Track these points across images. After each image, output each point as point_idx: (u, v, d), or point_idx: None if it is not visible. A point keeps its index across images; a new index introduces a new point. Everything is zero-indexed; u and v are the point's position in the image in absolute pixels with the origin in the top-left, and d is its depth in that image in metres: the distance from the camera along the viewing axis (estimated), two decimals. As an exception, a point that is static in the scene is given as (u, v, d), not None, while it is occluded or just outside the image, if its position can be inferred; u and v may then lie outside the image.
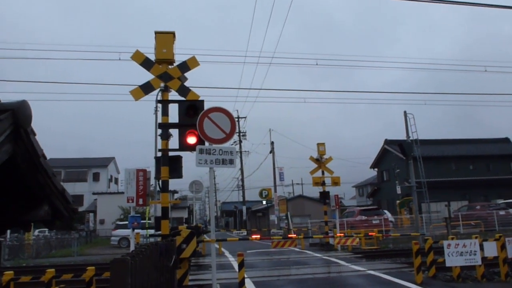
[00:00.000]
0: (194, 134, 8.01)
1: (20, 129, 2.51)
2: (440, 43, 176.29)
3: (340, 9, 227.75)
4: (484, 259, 9.17)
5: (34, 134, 2.71)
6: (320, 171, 19.82)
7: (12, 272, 7.58)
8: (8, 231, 23.85)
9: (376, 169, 48.33)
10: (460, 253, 8.82)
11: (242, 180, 46.44)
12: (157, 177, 8.34)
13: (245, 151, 46.46)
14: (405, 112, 19.81)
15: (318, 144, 19.85)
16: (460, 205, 31.07)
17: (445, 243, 8.96)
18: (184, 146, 8.11)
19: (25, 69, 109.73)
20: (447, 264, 8.96)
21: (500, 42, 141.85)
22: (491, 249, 9.18)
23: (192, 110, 8.19)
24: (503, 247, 9.21)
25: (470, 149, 41.57)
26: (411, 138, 19.62)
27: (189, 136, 8.07)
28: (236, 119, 39.71)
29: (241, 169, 45.88)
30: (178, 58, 8.54)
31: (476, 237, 9.15)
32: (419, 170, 20.27)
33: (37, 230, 33.35)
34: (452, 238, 9.30)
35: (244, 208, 45.54)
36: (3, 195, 2.90)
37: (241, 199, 48.85)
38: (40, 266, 14.84)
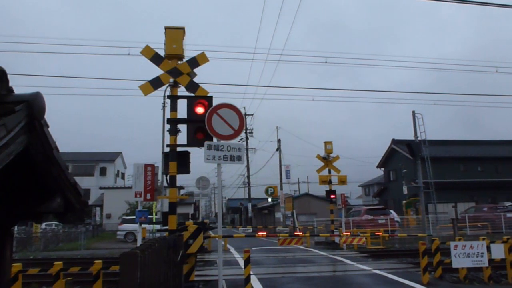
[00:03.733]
0: (202, 130, 8.04)
1: (35, 120, 2.53)
2: (450, 43, 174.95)
3: (349, 8, 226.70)
4: (491, 261, 9.11)
5: (47, 126, 2.73)
6: (327, 170, 19.82)
7: (20, 264, 7.65)
8: (15, 224, 24.14)
9: (383, 169, 48.14)
10: (467, 255, 8.77)
11: (248, 177, 46.54)
12: (165, 172, 8.38)
13: (252, 148, 46.57)
14: (413, 112, 19.72)
15: (325, 142, 19.83)
16: (467, 206, 30.83)
17: (452, 244, 8.91)
18: (192, 142, 8.14)
19: (35, 64, 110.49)
20: (454, 265, 8.91)
21: None
22: (498, 251, 9.12)
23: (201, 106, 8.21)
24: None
25: (478, 151, 41.27)
26: (419, 138, 19.52)
27: (198, 132, 8.10)
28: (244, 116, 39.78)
29: (247, 166, 45.98)
30: (187, 54, 8.57)
31: (483, 239, 9.10)
32: (426, 171, 20.15)
33: (44, 224, 33.58)
34: (459, 239, 9.25)
35: (249, 205, 45.60)
36: (16, 187, 2.93)
37: (246, 196, 48.92)
38: (48, 258, 14.94)
